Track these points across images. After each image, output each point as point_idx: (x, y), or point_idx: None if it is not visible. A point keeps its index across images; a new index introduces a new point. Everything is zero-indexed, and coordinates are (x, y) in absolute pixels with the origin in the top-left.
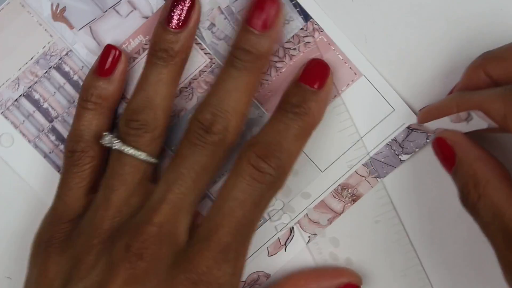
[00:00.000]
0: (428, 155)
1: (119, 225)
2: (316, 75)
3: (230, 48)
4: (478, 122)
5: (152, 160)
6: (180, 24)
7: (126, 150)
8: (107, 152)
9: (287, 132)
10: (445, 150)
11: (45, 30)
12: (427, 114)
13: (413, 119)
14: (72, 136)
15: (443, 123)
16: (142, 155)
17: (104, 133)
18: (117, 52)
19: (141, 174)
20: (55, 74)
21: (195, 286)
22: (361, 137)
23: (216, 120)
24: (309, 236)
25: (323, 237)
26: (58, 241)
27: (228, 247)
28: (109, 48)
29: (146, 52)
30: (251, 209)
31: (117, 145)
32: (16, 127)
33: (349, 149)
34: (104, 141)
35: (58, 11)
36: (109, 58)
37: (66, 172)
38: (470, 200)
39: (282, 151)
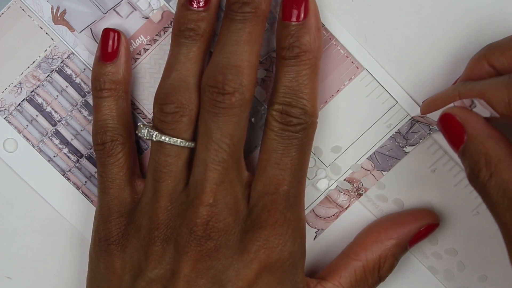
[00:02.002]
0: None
1: (175, 212)
2: (296, 6)
3: (226, 2)
4: (481, 110)
5: (193, 145)
6: (203, 3)
7: (166, 140)
8: (135, 132)
9: (297, 79)
10: (453, 127)
11: (46, 33)
12: (430, 104)
13: (416, 111)
14: (98, 128)
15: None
16: (183, 142)
17: (139, 125)
18: (116, 34)
19: (184, 160)
20: (57, 77)
21: (269, 242)
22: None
23: (228, 78)
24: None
25: (385, 202)
26: (117, 237)
27: (287, 193)
28: (107, 32)
29: (147, 52)
30: (296, 155)
31: (156, 136)
32: (19, 131)
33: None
34: (142, 134)
35: (58, 14)
36: (110, 41)
37: (102, 165)
38: (481, 178)
39: (301, 97)
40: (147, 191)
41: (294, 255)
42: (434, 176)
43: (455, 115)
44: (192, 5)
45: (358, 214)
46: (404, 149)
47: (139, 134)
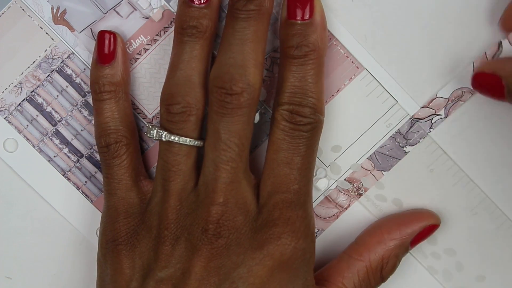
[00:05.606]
0: (474, 102)
1: (185, 211)
2: (301, 5)
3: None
4: (509, 48)
5: (202, 143)
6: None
7: (176, 139)
8: (137, 132)
9: (305, 78)
10: (488, 80)
11: (46, 33)
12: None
13: (416, 110)
14: (101, 131)
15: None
16: (192, 142)
17: (148, 126)
18: (112, 35)
19: (193, 159)
20: (57, 77)
21: (282, 239)
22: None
23: (236, 78)
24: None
25: (384, 202)
26: (125, 237)
27: (298, 192)
28: (102, 34)
29: (147, 52)
30: (305, 154)
31: (165, 136)
32: (20, 131)
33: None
34: (151, 135)
35: (58, 14)
36: (106, 43)
37: (108, 167)
38: None
39: (309, 97)
40: (156, 191)
41: (306, 252)
42: (432, 176)
43: (483, 70)
44: (193, 1)
45: (358, 214)
46: (404, 149)
47: (148, 135)
